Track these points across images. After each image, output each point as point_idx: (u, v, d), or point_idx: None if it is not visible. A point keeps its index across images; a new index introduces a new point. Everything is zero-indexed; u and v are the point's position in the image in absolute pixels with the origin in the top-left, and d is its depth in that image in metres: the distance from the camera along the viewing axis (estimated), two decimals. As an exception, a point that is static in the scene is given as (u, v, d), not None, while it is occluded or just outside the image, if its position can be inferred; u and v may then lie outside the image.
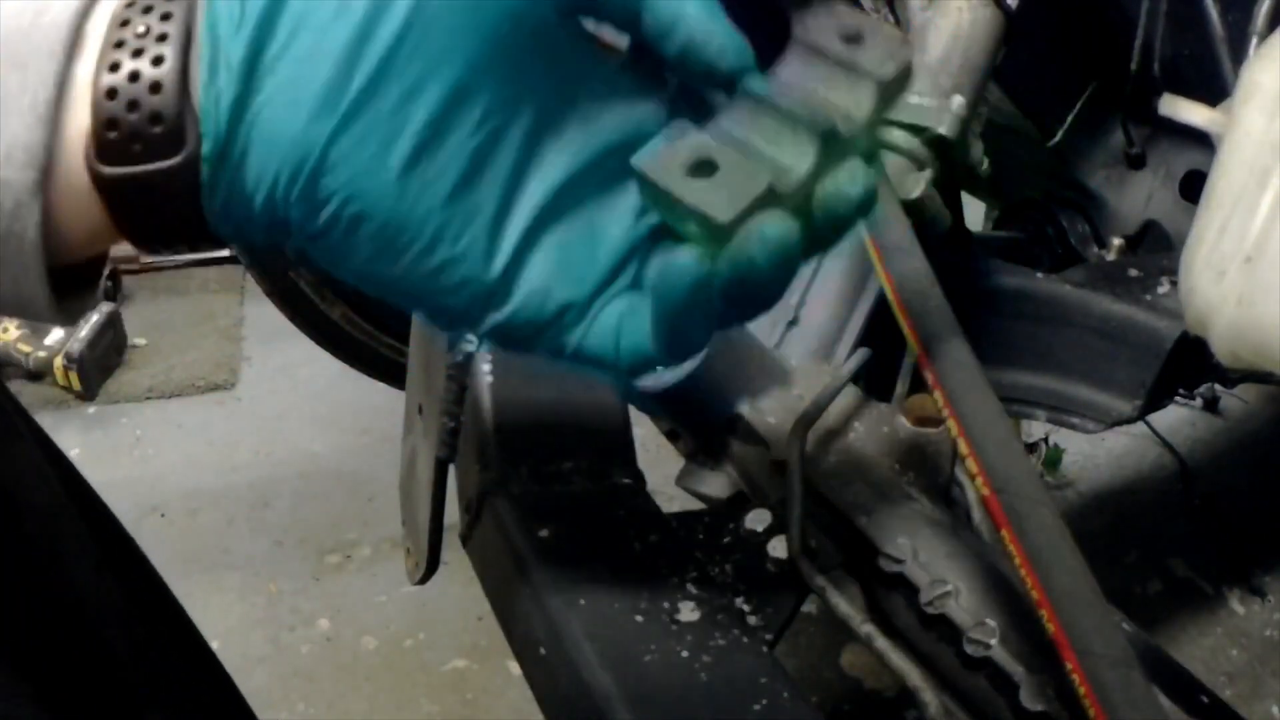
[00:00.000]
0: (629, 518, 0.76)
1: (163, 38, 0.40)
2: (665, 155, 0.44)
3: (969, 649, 0.67)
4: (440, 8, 0.40)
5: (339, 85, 0.40)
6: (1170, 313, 0.97)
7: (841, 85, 0.45)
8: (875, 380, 0.92)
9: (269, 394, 2.27)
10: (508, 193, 0.44)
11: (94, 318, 2.32)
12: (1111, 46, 1.22)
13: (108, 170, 0.40)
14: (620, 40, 0.48)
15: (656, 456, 1.20)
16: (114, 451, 2.09)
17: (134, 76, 0.40)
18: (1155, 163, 1.24)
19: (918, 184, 0.92)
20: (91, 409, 2.23)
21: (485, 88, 0.42)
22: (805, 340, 0.90)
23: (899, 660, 0.67)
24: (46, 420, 2.16)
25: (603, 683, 0.62)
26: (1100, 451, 2.00)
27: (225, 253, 2.72)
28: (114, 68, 0.40)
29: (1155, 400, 1.01)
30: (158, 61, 0.40)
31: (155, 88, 0.40)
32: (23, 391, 2.25)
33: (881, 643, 0.68)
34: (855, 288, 0.92)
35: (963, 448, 0.62)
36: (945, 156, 0.96)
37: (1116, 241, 1.25)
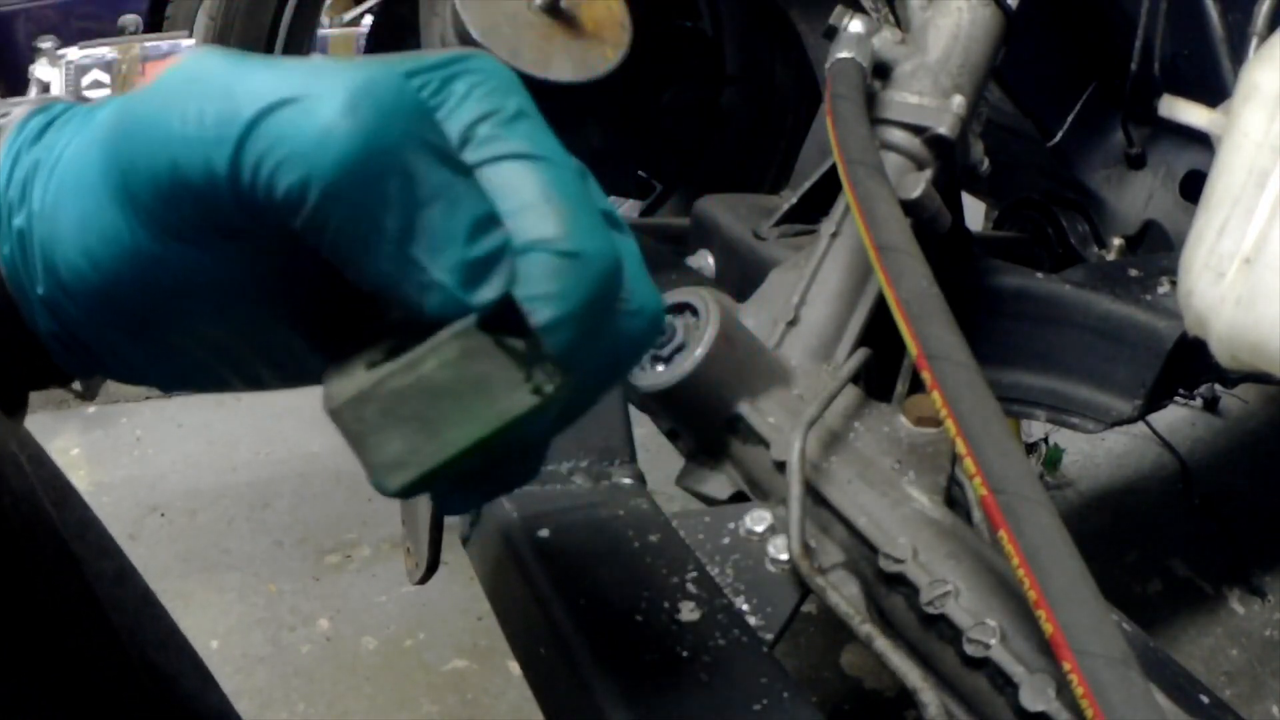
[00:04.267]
0: (629, 518, 0.76)
1: None
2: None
3: (969, 649, 0.67)
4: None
5: None
6: (1170, 313, 0.97)
7: None
8: (875, 380, 0.92)
9: (269, 394, 2.26)
10: None
11: (94, 318, 2.32)
12: (1111, 46, 1.22)
13: None
14: None
15: (656, 456, 1.20)
16: (114, 451, 2.09)
17: None
18: (1155, 163, 1.24)
19: (918, 184, 0.92)
20: (91, 409, 2.23)
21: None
22: (805, 340, 0.90)
23: (899, 660, 0.67)
24: (46, 420, 2.17)
25: (603, 683, 0.62)
26: (1100, 451, 2.00)
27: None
28: None
29: (1155, 400, 1.01)
30: None
31: None
32: (23, 391, 2.25)
33: (881, 643, 0.68)
34: (855, 288, 0.92)
35: (960, 448, 0.62)
36: (945, 156, 0.96)
37: (1116, 241, 1.25)
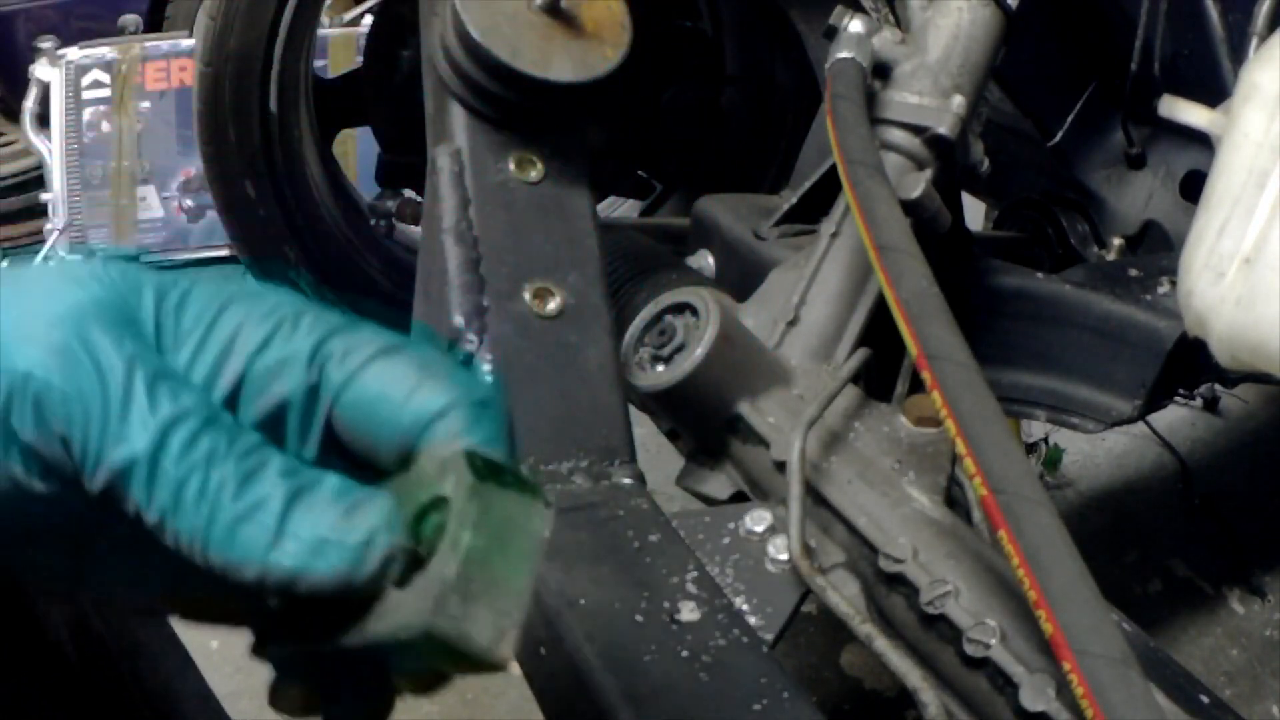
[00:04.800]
0: (629, 518, 0.76)
1: None
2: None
3: (969, 649, 0.67)
4: None
5: None
6: (1170, 313, 0.97)
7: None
8: (875, 380, 0.92)
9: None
10: None
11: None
12: (1111, 46, 1.22)
13: None
14: None
15: (656, 456, 1.20)
16: (114, 451, 2.09)
17: None
18: (1155, 163, 1.24)
19: (918, 184, 0.92)
20: (92, 409, 2.23)
21: None
22: (805, 340, 0.90)
23: (899, 660, 0.67)
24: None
25: (603, 683, 0.62)
26: (1100, 451, 2.00)
27: (225, 251, 2.72)
28: None
29: (1155, 400, 1.01)
30: None
31: None
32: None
33: (881, 643, 0.68)
34: (855, 288, 0.92)
35: (960, 448, 0.62)
36: (945, 156, 0.96)
37: (1116, 241, 1.25)
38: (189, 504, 0.37)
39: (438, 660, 0.39)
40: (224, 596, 0.43)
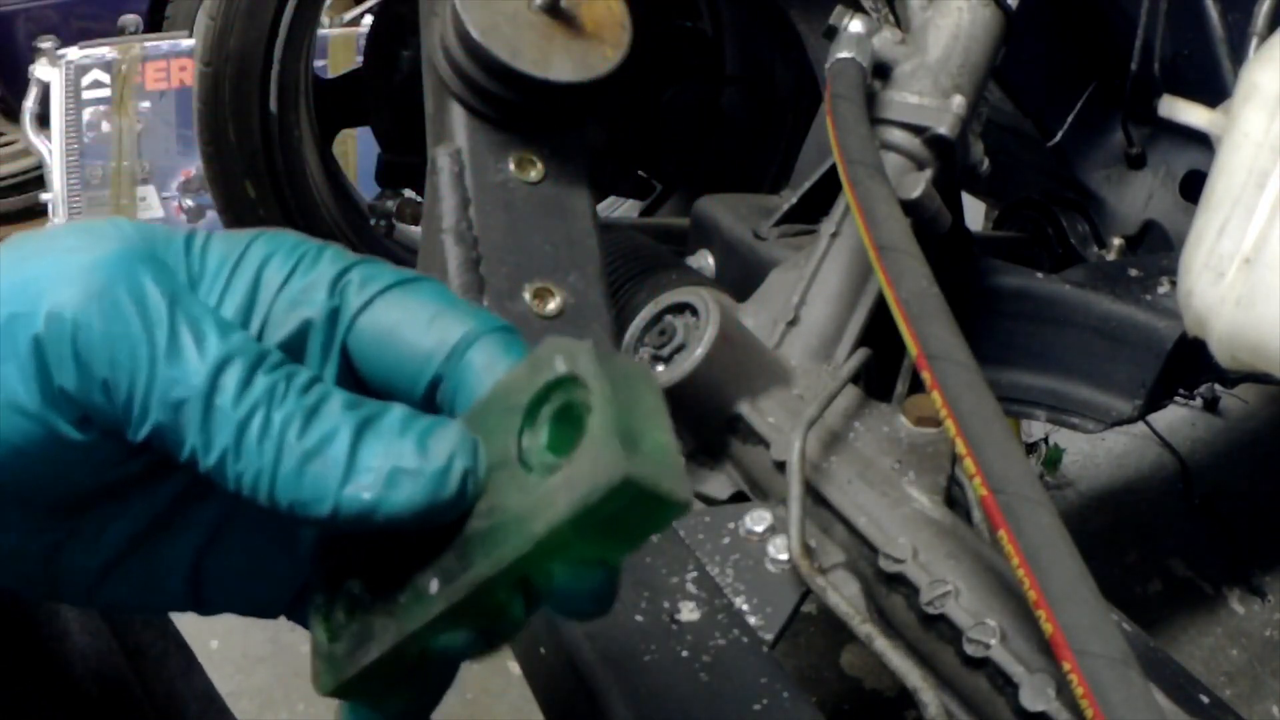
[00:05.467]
0: (629, 518, 0.75)
1: None
2: None
3: (969, 649, 0.67)
4: None
5: None
6: (1170, 313, 0.97)
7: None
8: (875, 380, 0.92)
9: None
10: None
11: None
12: (1111, 46, 1.22)
13: None
14: None
15: (656, 456, 1.19)
16: (114, 451, 2.09)
17: None
18: (1155, 163, 1.24)
19: (918, 184, 0.92)
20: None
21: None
22: (805, 340, 0.90)
23: (899, 660, 0.67)
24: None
25: (603, 683, 0.62)
26: (1100, 451, 2.00)
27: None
28: None
29: (1155, 400, 1.01)
30: None
31: None
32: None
33: (881, 643, 0.68)
34: (855, 288, 0.92)
35: (960, 448, 0.62)
36: (945, 156, 0.97)
37: (1116, 241, 1.25)
38: (252, 444, 0.37)
39: (622, 526, 0.37)
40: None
